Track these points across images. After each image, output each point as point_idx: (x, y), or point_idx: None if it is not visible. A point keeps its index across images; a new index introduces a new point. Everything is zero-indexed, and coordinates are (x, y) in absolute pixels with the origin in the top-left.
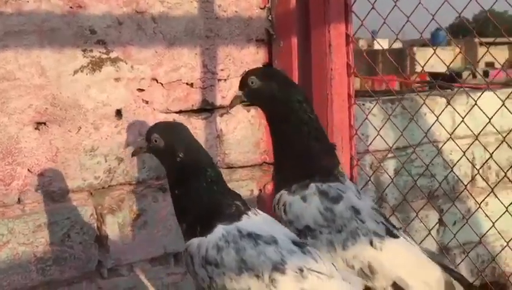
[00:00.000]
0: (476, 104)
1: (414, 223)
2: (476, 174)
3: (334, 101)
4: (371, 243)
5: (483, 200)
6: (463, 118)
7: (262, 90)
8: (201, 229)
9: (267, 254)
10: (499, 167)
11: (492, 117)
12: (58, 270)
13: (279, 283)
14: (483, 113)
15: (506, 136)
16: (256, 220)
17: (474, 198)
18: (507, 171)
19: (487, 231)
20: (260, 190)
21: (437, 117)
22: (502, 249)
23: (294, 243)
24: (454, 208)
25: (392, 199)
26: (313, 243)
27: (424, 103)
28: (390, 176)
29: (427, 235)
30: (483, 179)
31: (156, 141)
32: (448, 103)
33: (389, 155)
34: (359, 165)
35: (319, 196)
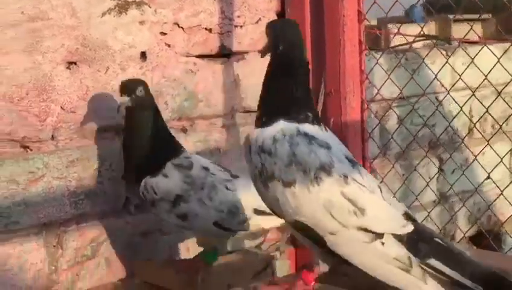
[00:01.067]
0: (472, 61)
1: (416, 170)
2: (472, 127)
3: (347, 47)
4: (227, 188)
5: (480, 152)
6: (460, 76)
7: None
8: (265, 121)
9: (318, 154)
10: (494, 119)
11: (488, 73)
12: (90, 204)
13: (323, 182)
14: (479, 70)
15: (502, 90)
16: (317, 130)
17: (469, 149)
18: (502, 123)
19: (483, 181)
20: None
21: (435, 75)
22: (497, 198)
23: (347, 157)
24: (453, 157)
25: (395, 146)
26: (187, 206)
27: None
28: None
29: (425, 187)
30: (479, 131)
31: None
32: (447, 62)
33: (394, 104)
34: (369, 108)
35: (177, 169)
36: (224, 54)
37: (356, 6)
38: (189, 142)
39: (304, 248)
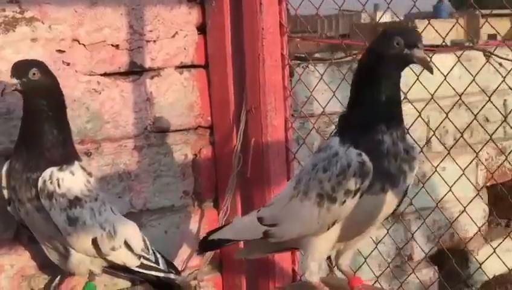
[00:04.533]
0: (418, 79)
1: None
2: (432, 136)
3: (266, 62)
4: (112, 210)
5: (438, 164)
6: (418, 77)
7: None
8: None
9: None
10: (456, 127)
11: (442, 82)
12: None
13: None
14: (441, 72)
15: (461, 94)
16: None
17: (430, 161)
18: (463, 131)
19: (444, 196)
20: (195, 154)
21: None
22: (459, 215)
23: None
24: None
25: None
26: (80, 212)
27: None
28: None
29: None
30: (440, 141)
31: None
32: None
33: (335, 119)
34: (293, 128)
35: (83, 172)
36: (136, 71)
37: (277, 18)
38: (93, 167)
39: (231, 273)
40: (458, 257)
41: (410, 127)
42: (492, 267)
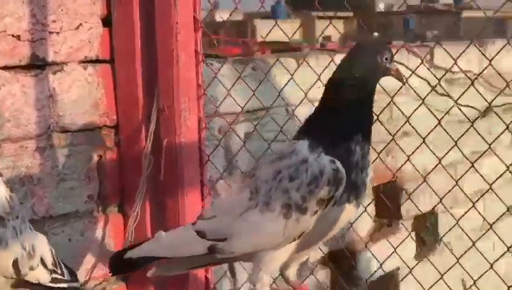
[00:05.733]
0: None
1: None
2: None
3: (180, 58)
4: (30, 228)
5: None
6: (319, 77)
7: None
8: None
9: None
10: None
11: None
12: None
13: None
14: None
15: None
16: None
17: None
18: None
19: None
20: (100, 156)
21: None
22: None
23: None
24: None
25: (242, 165)
26: (3, 232)
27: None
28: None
29: None
30: None
31: None
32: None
33: (240, 119)
34: (208, 128)
35: (5, 187)
36: (38, 64)
37: (192, 12)
38: None
39: (138, 284)
40: (348, 258)
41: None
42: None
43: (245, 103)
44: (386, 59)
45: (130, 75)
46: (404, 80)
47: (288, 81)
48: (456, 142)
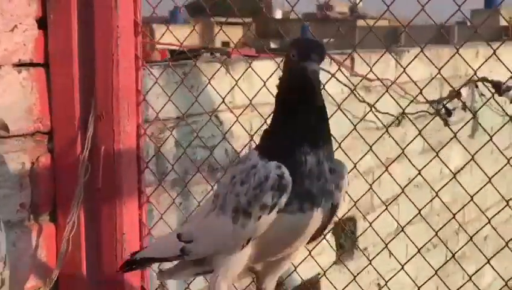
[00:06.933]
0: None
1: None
2: (250, 141)
3: (121, 63)
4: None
5: None
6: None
7: None
8: None
9: None
10: None
11: (261, 89)
12: None
13: None
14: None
15: None
16: None
17: None
18: None
19: None
20: (32, 163)
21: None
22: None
23: None
24: None
25: (171, 172)
26: None
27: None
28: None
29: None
30: None
31: None
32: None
33: (169, 125)
34: (146, 134)
35: None
36: None
37: (132, 16)
38: None
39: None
40: None
41: (227, 132)
42: (303, 273)
43: (174, 109)
44: (294, 56)
45: (66, 80)
46: (322, 86)
47: (206, 86)
48: (371, 147)
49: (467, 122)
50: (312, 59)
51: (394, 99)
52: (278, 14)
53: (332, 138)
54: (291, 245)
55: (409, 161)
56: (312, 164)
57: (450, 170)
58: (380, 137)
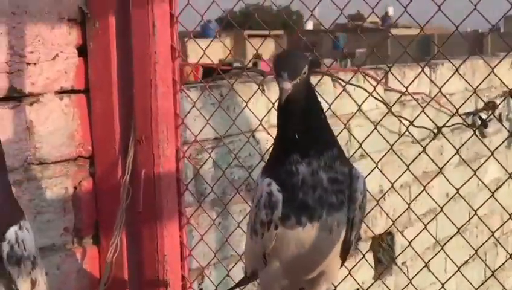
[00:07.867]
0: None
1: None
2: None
3: (159, 88)
4: None
5: None
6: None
7: None
8: None
9: None
10: None
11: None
12: None
13: None
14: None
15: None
16: None
17: None
18: None
19: None
20: (75, 187)
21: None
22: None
23: None
24: None
25: (211, 193)
26: (36, 273)
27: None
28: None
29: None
30: None
31: None
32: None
33: (207, 146)
34: (186, 157)
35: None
36: (15, 96)
37: (169, 41)
38: None
39: None
40: None
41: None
42: None
43: (211, 130)
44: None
45: (106, 105)
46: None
47: (243, 108)
48: (408, 167)
49: (505, 139)
50: (283, 78)
51: (430, 118)
52: (309, 25)
53: (335, 146)
54: (313, 260)
55: (446, 178)
56: (305, 173)
57: (489, 189)
58: (418, 156)
